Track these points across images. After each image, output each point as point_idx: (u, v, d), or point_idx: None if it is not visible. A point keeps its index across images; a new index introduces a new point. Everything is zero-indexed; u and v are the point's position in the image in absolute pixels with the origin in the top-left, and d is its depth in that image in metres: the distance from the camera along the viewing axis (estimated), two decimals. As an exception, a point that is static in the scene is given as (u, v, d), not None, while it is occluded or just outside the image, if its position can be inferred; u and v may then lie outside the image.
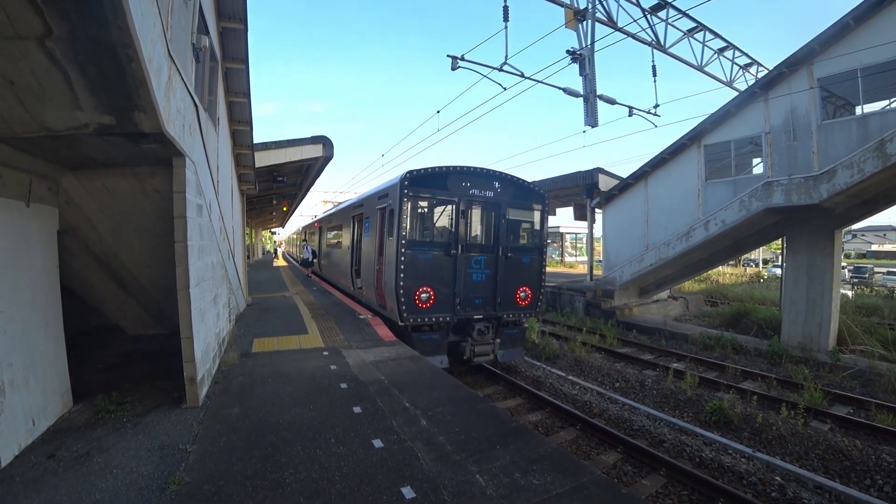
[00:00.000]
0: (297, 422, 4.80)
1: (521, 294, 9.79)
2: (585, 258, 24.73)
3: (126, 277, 7.43)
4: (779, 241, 15.86)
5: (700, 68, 14.72)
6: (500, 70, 10.10)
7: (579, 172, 19.16)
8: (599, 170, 18.60)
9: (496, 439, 4.41)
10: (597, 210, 19.47)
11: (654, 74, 12.76)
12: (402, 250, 8.64)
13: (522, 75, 10.39)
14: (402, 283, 8.68)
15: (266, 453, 4.07)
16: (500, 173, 9.65)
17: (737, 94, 14.13)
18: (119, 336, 8.96)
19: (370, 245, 10.75)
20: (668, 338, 14.13)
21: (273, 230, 61.07)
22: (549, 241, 38.72)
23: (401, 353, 7.72)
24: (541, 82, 11.02)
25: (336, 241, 16.28)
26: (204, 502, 3.36)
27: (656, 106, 12.71)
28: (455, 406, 5.29)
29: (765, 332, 14.25)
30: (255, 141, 11.36)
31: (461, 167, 9.16)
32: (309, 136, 13.69)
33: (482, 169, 9.41)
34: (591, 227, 19.82)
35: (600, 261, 20.27)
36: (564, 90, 11.14)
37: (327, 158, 14.38)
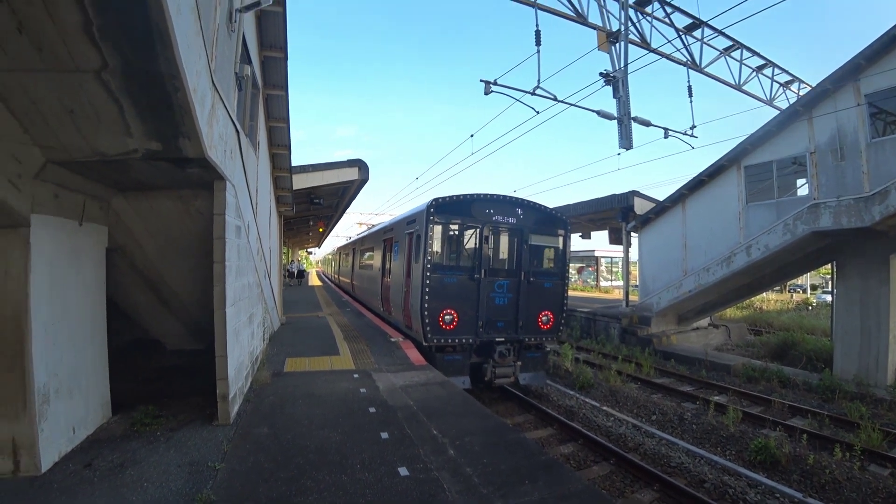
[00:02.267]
0: (325, 445, 4.79)
1: (543, 318, 9.99)
2: (621, 283, 24.07)
3: (167, 294, 7.72)
4: (828, 266, 14.99)
5: (738, 87, 14.36)
6: (533, 94, 10.13)
7: (614, 195, 18.82)
8: (635, 193, 18.21)
9: (525, 473, 4.25)
10: (632, 234, 19.00)
11: (690, 95, 12.52)
12: (428, 274, 8.97)
13: (555, 99, 10.38)
14: (426, 306, 8.95)
15: (292, 476, 4.05)
16: (523, 200, 10.00)
17: (777, 112, 13.66)
18: (159, 350, 9.28)
19: (399, 268, 11.11)
20: (708, 368, 13.39)
21: (310, 250, 62.69)
22: (584, 265, 37.66)
23: (430, 378, 7.65)
24: (574, 105, 10.97)
25: (368, 263, 16.84)
26: (229, 524, 3.37)
27: (693, 127, 12.42)
28: (484, 436, 5.15)
29: (815, 365, 13.30)
30: (293, 164, 11.83)
31: (485, 195, 9.53)
32: (346, 159, 14.12)
33: (505, 196, 9.78)
34: (626, 252, 19.33)
35: (636, 286, 19.68)
36: (598, 113, 11.06)
37: (363, 181, 14.72)
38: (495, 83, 9.58)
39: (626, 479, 6.82)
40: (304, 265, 48.17)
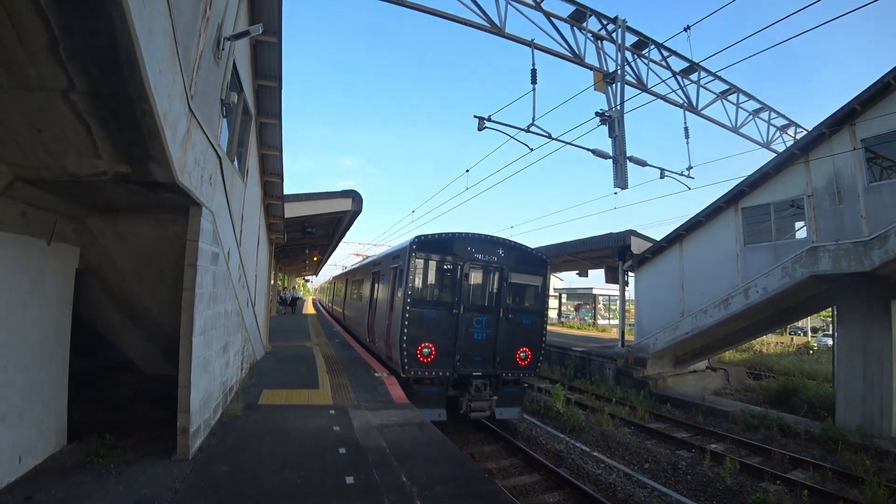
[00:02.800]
0: (283, 488, 4.51)
1: (521, 354, 10.17)
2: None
3: (144, 317, 7.50)
4: (829, 310, 14.68)
5: (735, 130, 14.45)
6: (528, 131, 10.13)
7: (611, 234, 18.71)
8: (632, 232, 18.10)
9: (493, 528, 3.93)
10: (629, 273, 18.79)
11: (687, 136, 12.55)
12: (408, 307, 9.33)
13: (550, 136, 10.38)
14: (405, 338, 9.25)
15: (240, 523, 3.76)
16: (504, 240, 10.51)
17: (774, 155, 13.69)
18: (135, 374, 8.95)
19: (383, 300, 11.54)
20: (705, 414, 12.89)
21: (307, 278, 62.47)
22: (582, 302, 37.32)
23: (410, 417, 7.34)
24: (569, 143, 10.97)
25: (358, 294, 17.23)
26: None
27: (689, 168, 12.40)
28: (456, 486, 4.84)
29: (817, 413, 12.81)
30: (290, 192, 11.92)
31: (466, 234, 10.03)
32: (339, 190, 14.13)
33: (486, 235, 10.30)
34: (622, 291, 19.07)
35: (633, 325, 19.33)
36: (593, 151, 11.03)
37: (356, 213, 14.72)
38: (489, 119, 9.61)
39: (612, 534, 6.41)
40: (301, 293, 47.86)
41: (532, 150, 10.44)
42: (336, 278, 28.87)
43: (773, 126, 15.59)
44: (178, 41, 3.80)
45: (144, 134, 3.74)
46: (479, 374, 9.78)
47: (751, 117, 14.92)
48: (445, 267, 9.91)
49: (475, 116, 9.50)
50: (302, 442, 5.84)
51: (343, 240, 22.30)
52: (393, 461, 5.37)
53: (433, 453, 5.79)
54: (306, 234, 16.25)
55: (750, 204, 13.97)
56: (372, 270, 13.83)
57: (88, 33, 3.00)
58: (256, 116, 8.47)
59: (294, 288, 43.85)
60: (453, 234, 9.95)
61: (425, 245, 9.65)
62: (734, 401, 14.78)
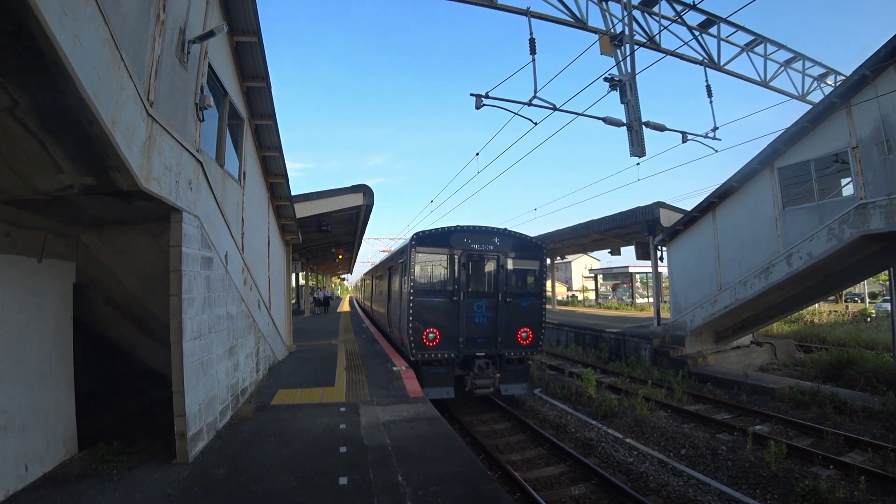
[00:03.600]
0: (275, 491, 4.45)
1: (523, 334, 10.85)
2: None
3: (156, 327, 7.64)
4: (886, 273, 13.38)
5: (764, 84, 13.26)
6: (530, 105, 9.60)
7: (638, 208, 17.77)
8: (660, 204, 17.11)
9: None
10: (661, 248, 17.82)
11: (710, 95, 11.58)
12: (412, 297, 10.17)
13: (554, 107, 9.79)
14: (410, 325, 10.10)
15: (220, 530, 3.68)
16: (500, 229, 11.25)
17: (811, 107, 12.49)
18: (157, 382, 9.23)
19: (396, 292, 12.59)
20: (749, 392, 11.98)
21: (342, 276, 63.64)
22: (618, 282, 36.42)
23: (420, 412, 7.21)
24: (578, 114, 10.33)
25: (379, 289, 18.49)
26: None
27: (715, 129, 11.49)
28: (454, 485, 4.64)
29: (876, 387, 11.72)
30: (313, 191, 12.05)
31: (461, 227, 10.85)
32: (350, 185, 14.10)
33: (482, 227, 11.11)
34: (655, 267, 18.08)
35: (669, 301, 18.39)
36: (604, 120, 10.38)
37: (368, 207, 14.67)
38: (487, 96, 9.17)
39: (638, 527, 6.01)
40: (338, 291, 48.80)
41: (536, 123, 9.90)
42: (365, 275, 30.07)
43: (809, 76, 14.23)
44: (120, 47, 3.68)
45: (95, 143, 3.69)
46: (482, 354, 10.46)
47: (782, 69, 13.65)
48: (444, 258, 10.64)
49: (472, 94, 9.08)
50: (304, 442, 5.81)
51: (370, 236, 22.53)
52: (392, 460, 5.23)
53: (438, 450, 5.61)
54: (321, 232, 16.33)
55: (787, 163, 12.82)
56: (388, 266, 14.71)
57: (14, 50, 2.93)
58: (251, 119, 8.44)
59: (326, 287, 44.69)
60: (450, 227, 10.76)
61: (424, 240, 10.47)
62: (782, 377, 13.72)
